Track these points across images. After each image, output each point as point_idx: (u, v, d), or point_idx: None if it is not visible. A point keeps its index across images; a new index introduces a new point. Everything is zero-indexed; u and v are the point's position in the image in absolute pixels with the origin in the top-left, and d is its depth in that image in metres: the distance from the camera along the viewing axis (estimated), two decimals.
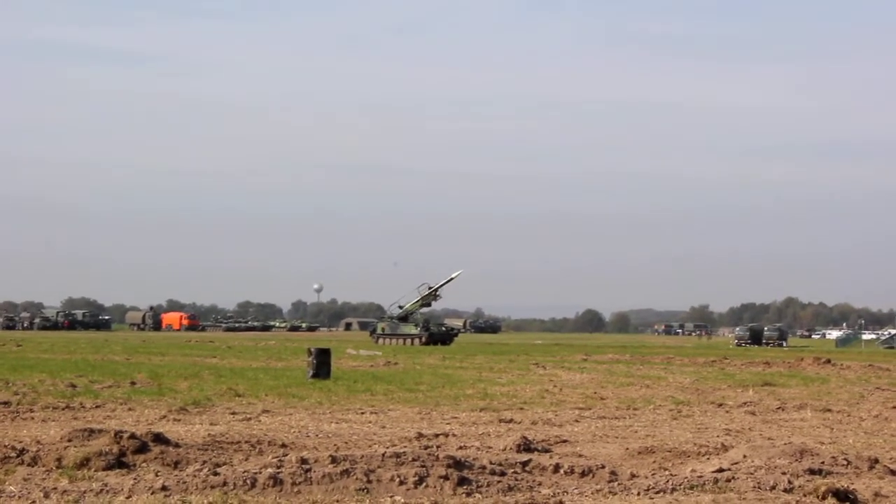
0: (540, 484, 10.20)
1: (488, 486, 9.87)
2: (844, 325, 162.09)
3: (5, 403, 17.93)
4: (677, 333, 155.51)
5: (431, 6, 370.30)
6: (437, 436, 14.46)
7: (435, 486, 9.69)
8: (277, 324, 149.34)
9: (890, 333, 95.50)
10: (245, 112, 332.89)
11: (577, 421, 17.29)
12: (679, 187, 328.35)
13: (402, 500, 9.35)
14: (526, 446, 12.88)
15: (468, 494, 9.59)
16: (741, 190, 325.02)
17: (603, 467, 10.75)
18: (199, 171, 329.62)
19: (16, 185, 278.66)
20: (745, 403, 20.90)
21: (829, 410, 19.74)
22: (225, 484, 9.54)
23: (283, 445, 12.93)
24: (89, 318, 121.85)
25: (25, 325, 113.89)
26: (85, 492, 9.43)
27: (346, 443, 13.67)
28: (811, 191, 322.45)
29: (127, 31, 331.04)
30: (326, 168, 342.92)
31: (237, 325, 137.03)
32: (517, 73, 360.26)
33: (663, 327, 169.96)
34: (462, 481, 9.79)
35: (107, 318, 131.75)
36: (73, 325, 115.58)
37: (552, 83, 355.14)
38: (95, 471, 10.68)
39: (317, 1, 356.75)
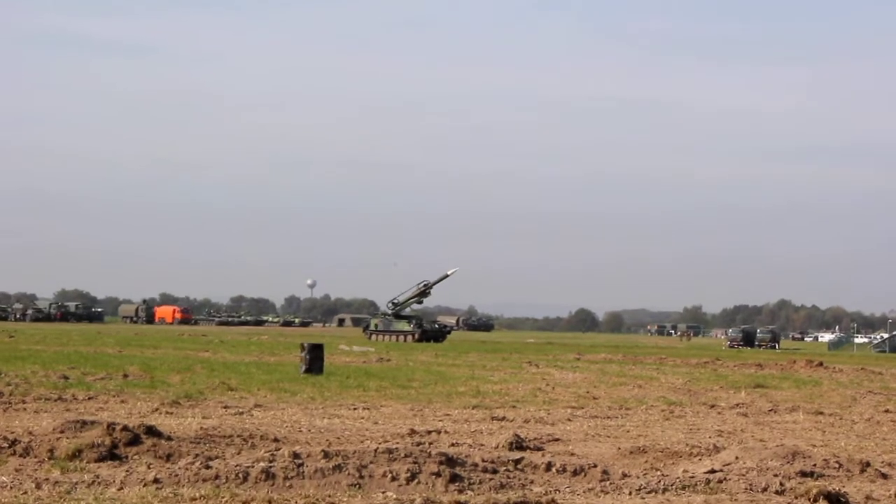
0: (532, 482, 10.20)
1: (480, 483, 9.87)
2: (837, 328, 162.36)
3: None
4: (670, 334, 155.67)
5: (432, 3, 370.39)
6: (429, 432, 14.46)
7: (427, 483, 9.68)
8: (270, 319, 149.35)
9: (882, 337, 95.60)
10: (241, 107, 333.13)
11: (569, 420, 17.30)
12: (674, 188, 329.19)
13: (394, 496, 9.34)
14: (518, 444, 12.90)
15: (460, 491, 9.57)
16: (736, 192, 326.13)
17: (595, 466, 10.75)
18: (194, 165, 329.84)
19: (9, 176, 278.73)
20: (737, 405, 20.92)
21: (822, 413, 19.76)
22: (217, 477, 9.54)
23: (276, 440, 12.92)
24: (82, 311, 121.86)
25: (18, 316, 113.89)
26: (77, 483, 9.42)
27: (339, 438, 13.67)
28: (805, 194, 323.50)
29: (124, 22, 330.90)
30: (322, 164, 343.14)
31: (230, 319, 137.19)
32: (516, 71, 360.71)
33: (656, 328, 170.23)
34: (454, 478, 9.79)
35: (99, 310, 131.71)
36: (65, 316, 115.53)
37: (551, 81, 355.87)
38: (87, 462, 10.68)
39: None
